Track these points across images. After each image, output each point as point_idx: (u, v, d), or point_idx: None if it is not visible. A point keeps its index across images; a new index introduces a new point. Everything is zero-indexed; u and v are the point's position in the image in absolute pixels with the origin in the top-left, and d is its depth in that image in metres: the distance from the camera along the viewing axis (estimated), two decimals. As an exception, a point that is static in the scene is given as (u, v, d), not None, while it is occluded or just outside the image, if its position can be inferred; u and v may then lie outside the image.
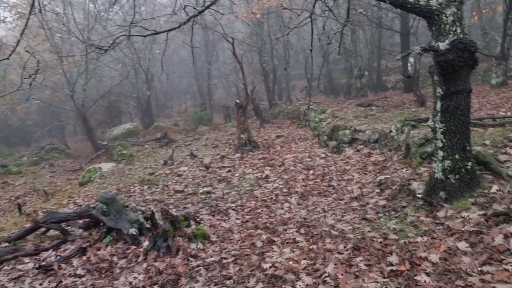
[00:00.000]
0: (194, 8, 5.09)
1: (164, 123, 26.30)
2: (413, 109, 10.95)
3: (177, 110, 38.36)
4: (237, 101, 11.98)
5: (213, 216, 6.41)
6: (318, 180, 7.60)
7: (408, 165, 6.53)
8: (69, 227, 6.21)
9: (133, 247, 5.29)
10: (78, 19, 19.59)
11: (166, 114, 36.05)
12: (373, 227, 4.87)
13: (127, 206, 7.12)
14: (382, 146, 8.12)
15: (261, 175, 8.67)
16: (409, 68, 4.03)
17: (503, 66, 12.45)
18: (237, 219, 6.14)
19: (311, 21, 4.64)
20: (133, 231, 5.41)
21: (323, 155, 9.43)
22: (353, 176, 7.25)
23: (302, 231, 5.16)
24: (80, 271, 4.77)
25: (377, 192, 5.98)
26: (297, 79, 33.07)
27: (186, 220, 5.77)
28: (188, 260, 4.74)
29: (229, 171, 9.61)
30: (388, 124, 8.67)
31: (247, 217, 6.17)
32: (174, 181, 9.28)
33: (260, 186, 7.93)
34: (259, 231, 5.43)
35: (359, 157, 8.32)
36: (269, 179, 8.28)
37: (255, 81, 26.01)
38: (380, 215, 5.22)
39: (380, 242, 4.33)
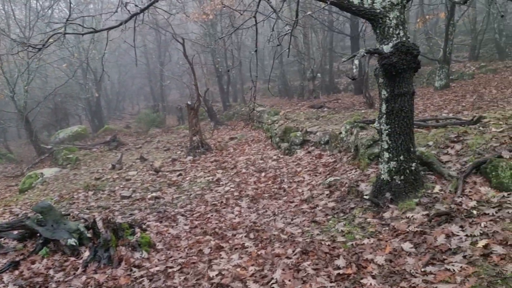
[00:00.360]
0: (136, 6, 4.85)
1: (116, 125, 25.41)
2: (363, 111, 11.20)
3: (130, 112, 37.26)
4: (189, 102, 11.72)
5: (161, 222, 6.16)
6: (269, 182, 7.54)
7: (356, 166, 6.60)
8: (2, 239, 5.73)
9: (72, 258, 4.96)
10: (21, 16, 18.47)
11: (118, 116, 34.94)
12: (322, 229, 4.84)
13: (69, 214, 6.73)
14: (332, 147, 8.19)
15: (212, 179, 8.49)
16: (354, 70, 4.03)
17: (446, 70, 13.04)
18: (185, 225, 5.93)
19: (256, 22, 4.55)
20: (72, 241, 5.07)
21: (275, 157, 9.40)
22: (303, 178, 7.25)
23: (252, 235, 5.05)
24: (11, 287, 4.39)
25: (327, 194, 5.99)
26: (251, 81, 33.03)
27: (131, 227, 5.49)
28: (131, 270, 4.49)
29: (180, 174, 9.34)
30: (338, 126, 8.77)
31: (196, 222, 5.98)
32: (121, 186, 8.88)
33: (211, 190, 7.75)
34: (207, 237, 5.26)
35: (310, 158, 8.36)
36: (221, 183, 8.12)
37: (210, 82, 25.76)
38: (329, 217, 5.22)
39: (328, 245, 4.30)
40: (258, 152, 10.49)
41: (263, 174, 8.18)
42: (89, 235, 5.32)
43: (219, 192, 7.45)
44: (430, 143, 5.89)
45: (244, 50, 25.70)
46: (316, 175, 7.26)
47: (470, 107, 8.81)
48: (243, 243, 4.82)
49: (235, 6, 19.49)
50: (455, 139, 5.71)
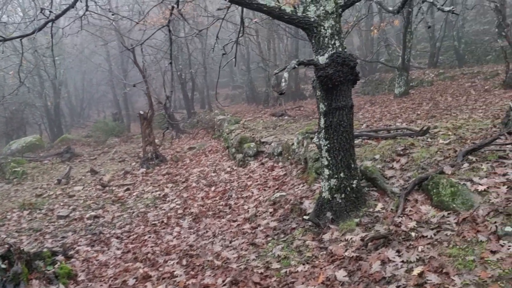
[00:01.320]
0: (50, 12, 4.40)
1: (77, 135, 24.44)
2: (321, 120, 10.96)
3: (95, 119, 36.07)
4: (141, 112, 11.20)
5: (92, 246, 5.67)
6: (217, 198, 7.15)
7: (305, 180, 6.31)
8: None
9: (-19, 294, 4.41)
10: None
11: (81, 124, 33.78)
12: (259, 253, 4.50)
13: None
14: (284, 159, 7.88)
15: (160, 194, 8.04)
16: (283, 84, 3.71)
17: (405, 77, 13.03)
18: (118, 249, 5.47)
19: (169, 30, 4.18)
20: (-20, 275, 4.51)
21: (228, 169, 9.01)
22: (252, 192, 6.89)
23: (184, 262, 4.65)
24: None
25: (270, 212, 5.64)
26: (221, 87, 32.73)
27: (54, 255, 4.99)
28: (42, 308, 4.01)
29: (128, 189, 8.82)
30: (294, 136, 8.48)
31: (130, 246, 5.53)
32: (62, 204, 8.28)
33: (156, 207, 7.30)
34: (137, 264, 4.83)
35: (262, 171, 8.02)
36: (167, 198, 7.68)
37: (176, 89, 25.14)
38: (269, 239, 4.87)
39: (261, 273, 3.95)
40: (214, 164, 10.08)
41: (212, 188, 7.78)
42: (4, 266, 4.78)
43: (164, 210, 7.00)
44: (377, 156, 5.66)
45: (209, 56, 25.27)
46: (265, 190, 6.91)
47: (425, 115, 8.70)
48: (173, 271, 4.41)
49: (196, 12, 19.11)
50: (402, 152, 5.49)
